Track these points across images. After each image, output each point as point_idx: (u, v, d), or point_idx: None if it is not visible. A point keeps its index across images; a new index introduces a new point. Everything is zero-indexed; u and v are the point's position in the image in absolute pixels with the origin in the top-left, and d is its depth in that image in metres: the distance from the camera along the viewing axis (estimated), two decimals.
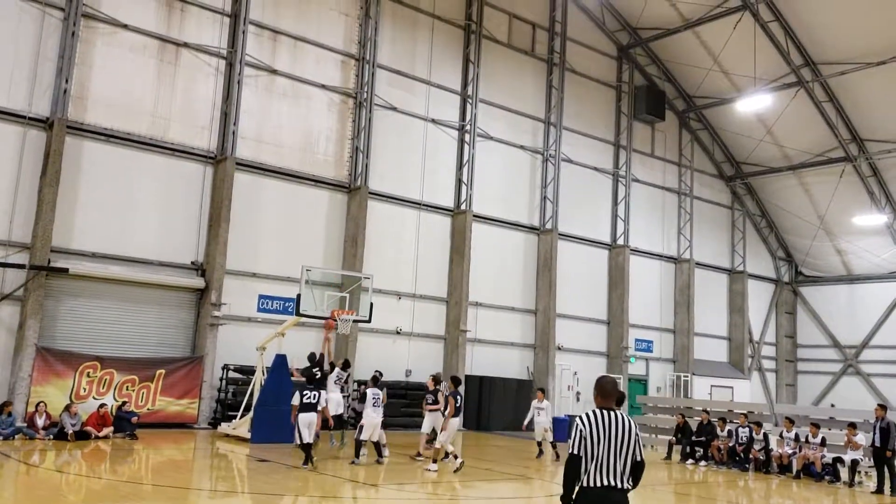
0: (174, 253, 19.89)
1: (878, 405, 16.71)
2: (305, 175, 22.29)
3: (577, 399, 27.03)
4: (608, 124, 30.78)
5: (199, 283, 19.82)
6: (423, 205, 24.78)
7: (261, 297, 21.09)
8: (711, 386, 31.68)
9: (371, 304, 17.99)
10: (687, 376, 31.36)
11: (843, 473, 16.62)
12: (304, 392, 13.92)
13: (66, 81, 18.14)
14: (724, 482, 16.36)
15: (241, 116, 20.90)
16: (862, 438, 16.35)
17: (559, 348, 27.60)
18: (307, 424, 13.66)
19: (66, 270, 17.75)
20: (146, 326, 19.19)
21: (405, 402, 22.76)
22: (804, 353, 36.63)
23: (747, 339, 34.66)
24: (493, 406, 24.61)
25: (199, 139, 20.44)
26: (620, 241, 30.17)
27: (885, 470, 15.50)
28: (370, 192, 23.17)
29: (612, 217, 30.41)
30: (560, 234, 27.94)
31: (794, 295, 37.28)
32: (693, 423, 19.81)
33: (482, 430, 24.10)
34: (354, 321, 17.71)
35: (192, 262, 20.11)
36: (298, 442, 13.91)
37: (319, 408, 14.27)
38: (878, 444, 15.58)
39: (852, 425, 16.80)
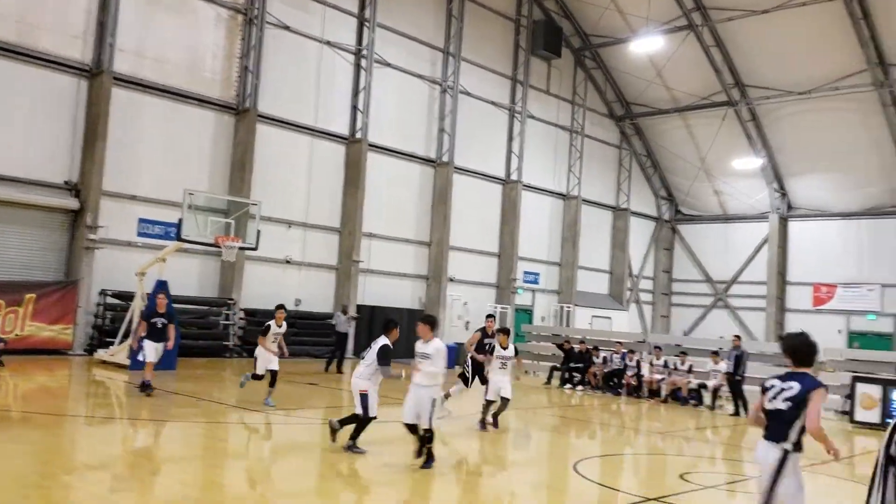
0: (45, 171, 18.62)
1: (734, 336, 18.18)
2: (190, 94, 21.17)
3: (466, 327, 27.65)
4: (506, 58, 30.73)
5: (73, 203, 18.71)
6: (317, 131, 24.14)
7: (141, 220, 20.18)
8: (592, 316, 33.23)
9: (258, 232, 17.60)
10: (570, 307, 32.69)
11: (707, 398, 17.95)
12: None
13: None
14: (598, 405, 17.34)
15: (120, 28, 19.49)
16: (724, 366, 17.64)
17: (451, 279, 28.03)
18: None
19: None
20: (13, 248, 18.07)
21: (294, 332, 22.61)
22: (679, 287, 38.80)
23: (627, 273, 36.35)
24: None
25: (72, 50, 18.97)
26: (514, 177, 30.58)
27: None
28: (259, 115, 22.32)
29: (507, 152, 30.70)
30: (456, 168, 28.00)
31: (672, 232, 39.18)
32: None
33: None
34: (240, 248, 17.29)
35: (66, 182, 18.91)
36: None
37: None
38: (731, 370, 16.89)
39: (715, 353, 18.12)
